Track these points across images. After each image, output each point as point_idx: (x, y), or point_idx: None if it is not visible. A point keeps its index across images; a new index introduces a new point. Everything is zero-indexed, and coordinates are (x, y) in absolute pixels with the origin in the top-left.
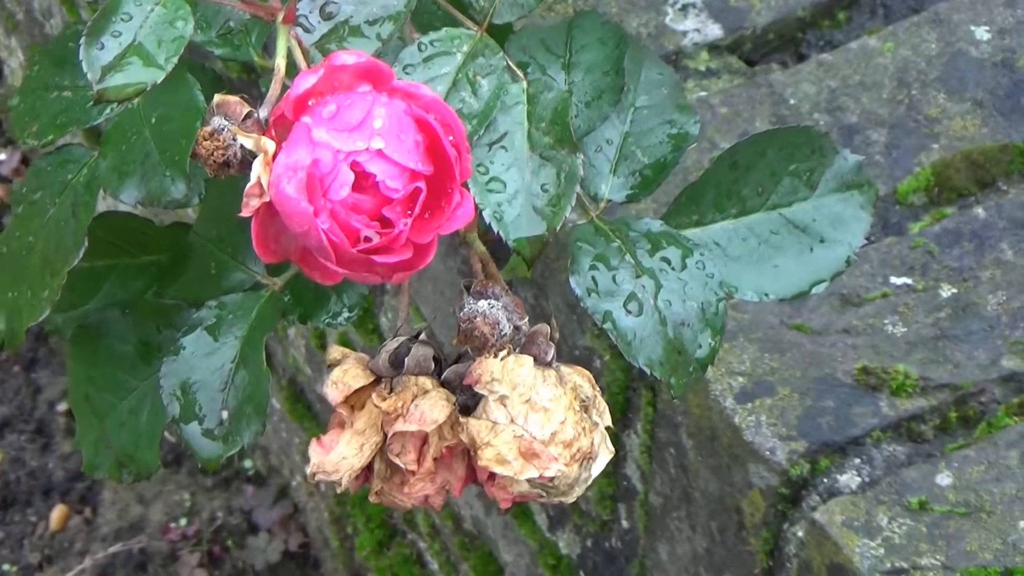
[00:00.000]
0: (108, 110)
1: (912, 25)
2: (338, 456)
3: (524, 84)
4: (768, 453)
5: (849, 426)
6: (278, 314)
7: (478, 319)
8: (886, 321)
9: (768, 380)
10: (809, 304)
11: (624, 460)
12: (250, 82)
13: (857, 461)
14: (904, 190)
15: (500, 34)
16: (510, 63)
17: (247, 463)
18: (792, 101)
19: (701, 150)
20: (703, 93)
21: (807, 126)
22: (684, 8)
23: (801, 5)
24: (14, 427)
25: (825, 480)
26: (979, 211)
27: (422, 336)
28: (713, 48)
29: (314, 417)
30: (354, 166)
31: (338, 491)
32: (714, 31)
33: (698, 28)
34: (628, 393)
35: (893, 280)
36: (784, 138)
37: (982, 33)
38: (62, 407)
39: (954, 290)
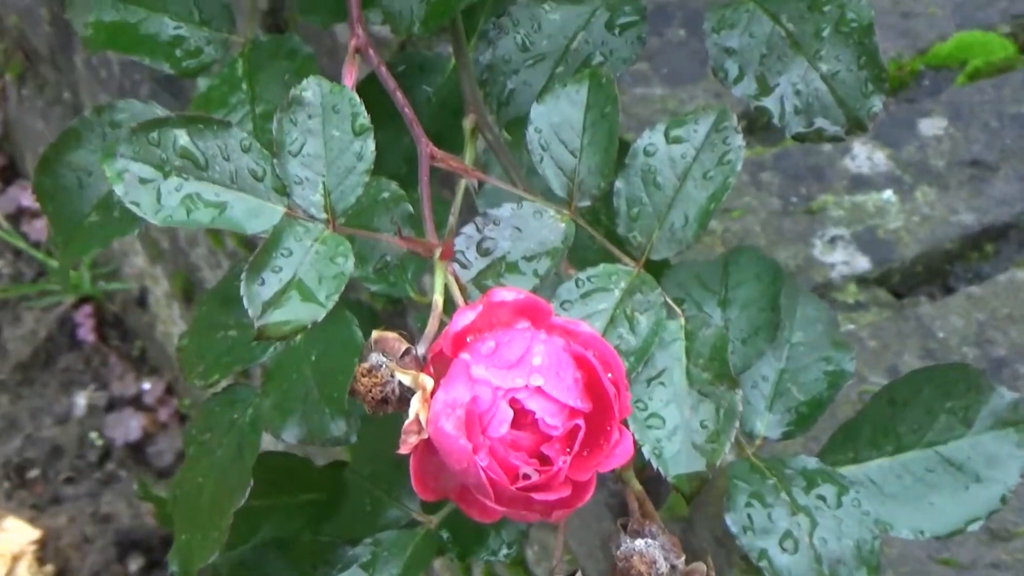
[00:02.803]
0: (271, 348)
1: None
2: None
3: (682, 321)
4: None
5: None
6: (433, 551)
7: (635, 558)
8: None
9: None
10: (957, 538)
11: None
12: (395, 312)
13: None
14: None
15: (656, 269)
16: (668, 299)
17: None
18: (940, 334)
19: (848, 383)
20: (851, 326)
21: (963, 363)
22: (832, 240)
23: (949, 237)
24: None
25: None
26: None
27: (578, 575)
28: (861, 281)
29: None
30: (513, 403)
31: None
32: (862, 263)
33: (846, 260)
34: None
35: None
36: (941, 375)
37: None
38: None
39: None
